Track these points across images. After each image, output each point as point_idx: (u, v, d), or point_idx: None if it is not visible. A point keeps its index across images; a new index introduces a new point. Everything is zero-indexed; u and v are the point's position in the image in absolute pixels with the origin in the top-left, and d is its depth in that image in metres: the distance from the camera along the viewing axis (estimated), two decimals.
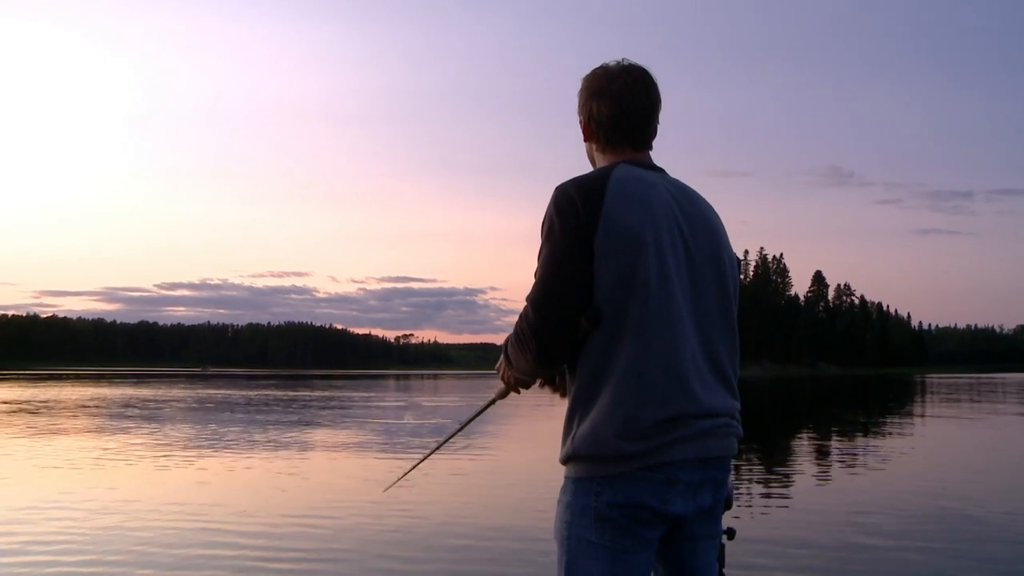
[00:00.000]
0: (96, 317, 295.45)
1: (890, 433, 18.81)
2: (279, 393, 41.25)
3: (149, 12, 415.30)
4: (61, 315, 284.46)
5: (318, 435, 16.99)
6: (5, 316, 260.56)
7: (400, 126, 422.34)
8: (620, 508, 1.91)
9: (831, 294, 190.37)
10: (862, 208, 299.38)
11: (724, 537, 2.20)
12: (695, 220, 2.06)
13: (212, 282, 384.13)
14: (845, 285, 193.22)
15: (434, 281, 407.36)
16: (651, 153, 2.18)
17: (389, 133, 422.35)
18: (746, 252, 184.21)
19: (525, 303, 2.00)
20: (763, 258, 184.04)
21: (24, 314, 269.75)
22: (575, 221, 1.92)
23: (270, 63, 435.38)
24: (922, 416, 25.59)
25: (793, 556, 6.33)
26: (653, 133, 2.17)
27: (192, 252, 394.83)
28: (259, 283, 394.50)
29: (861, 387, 58.65)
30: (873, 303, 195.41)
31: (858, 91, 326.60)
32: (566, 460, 2.00)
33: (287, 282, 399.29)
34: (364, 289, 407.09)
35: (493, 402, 2.39)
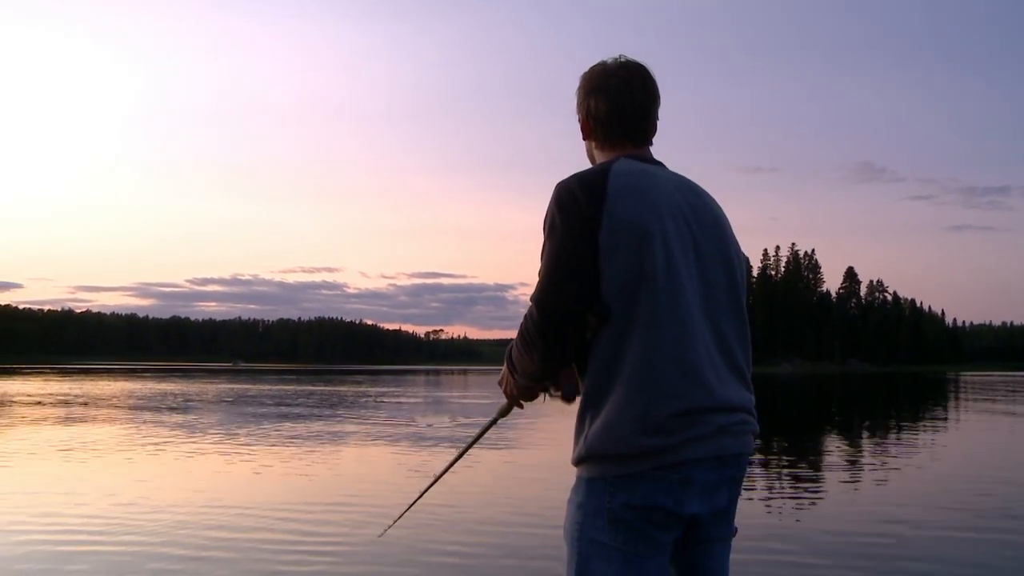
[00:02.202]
0: (129, 312, 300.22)
1: (921, 432, 18.53)
2: (312, 388, 41.41)
3: (181, 10, 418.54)
4: (95, 310, 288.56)
5: (344, 434, 17.00)
6: (41, 311, 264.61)
7: (429, 123, 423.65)
8: (634, 510, 1.87)
9: (863, 291, 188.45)
10: (895, 204, 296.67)
11: None
12: (700, 212, 2.03)
13: (243, 278, 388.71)
14: (878, 282, 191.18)
15: (464, 277, 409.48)
16: (652, 149, 2.16)
17: (418, 130, 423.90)
18: (777, 248, 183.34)
19: (530, 303, 1.95)
20: (794, 254, 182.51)
21: (59, 309, 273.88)
22: (578, 216, 1.89)
23: (296, 61, 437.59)
24: (956, 415, 25.22)
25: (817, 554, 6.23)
26: (652, 129, 2.14)
27: (223, 248, 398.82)
28: (290, 279, 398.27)
29: (892, 385, 57.95)
30: (906, 300, 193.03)
31: (890, 86, 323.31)
32: (579, 461, 1.96)
33: (318, 278, 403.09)
34: (394, 285, 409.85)
35: (495, 421, 2.31)
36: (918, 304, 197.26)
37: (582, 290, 1.89)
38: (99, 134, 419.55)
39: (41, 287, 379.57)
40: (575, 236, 1.89)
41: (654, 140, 2.17)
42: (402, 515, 2.77)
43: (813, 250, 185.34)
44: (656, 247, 1.89)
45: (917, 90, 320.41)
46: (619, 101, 2.09)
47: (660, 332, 1.88)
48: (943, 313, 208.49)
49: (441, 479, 2.45)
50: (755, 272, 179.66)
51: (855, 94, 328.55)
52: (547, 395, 2.15)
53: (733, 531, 2.09)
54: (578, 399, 2.02)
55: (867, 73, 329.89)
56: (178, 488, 9.21)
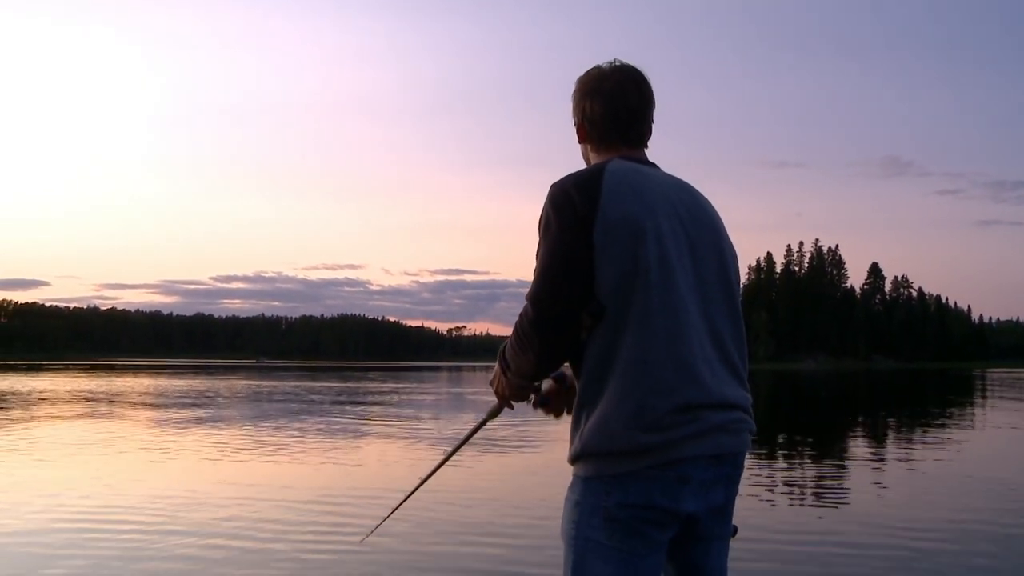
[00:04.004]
0: (153, 309, 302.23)
1: (948, 431, 18.32)
2: (334, 385, 41.58)
3: (217, 8, 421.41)
4: (120, 307, 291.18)
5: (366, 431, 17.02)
6: (67, 308, 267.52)
7: (452, 119, 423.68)
8: (630, 508, 1.87)
9: (888, 287, 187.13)
10: (920, 199, 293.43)
11: None
12: (694, 211, 2.05)
13: (267, 275, 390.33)
14: (903, 277, 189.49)
15: (487, 273, 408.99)
16: (657, 155, 2.20)
17: (441, 127, 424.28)
18: (801, 244, 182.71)
19: (525, 301, 1.96)
20: (818, 250, 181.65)
21: (85, 306, 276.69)
22: (572, 214, 1.91)
23: (319, 57, 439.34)
24: (983, 412, 24.94)
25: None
26: (648, 132, 2.17)
27: (247, 245, 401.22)
28: (312, 276, 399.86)
29: (917, 382, 57.45)
30: (932, 296, 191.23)
31: (916, 79, 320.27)
32: (575, 459, 1.96)
33: (340, 275, 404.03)
34: (417, 282, 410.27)
35: (484, 423, 2.32)
36: (944, 300, 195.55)
37: (577, 288, 1.89)
38: (124, 132, 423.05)
39: (68, 285, 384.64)
40: (570, 235, 1.90)
41: (649, 143, 2.19)
42: (382, 521, 2.74)
43: (837, 246, 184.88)
44: (650, 244, 1.90)
45: (944, 84, 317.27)
46: (614, 104, 2.10)
47: (654, 328, 1.88)
48: (969, 309, 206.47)
49: (426, 483, 2.40)
50: (779, 268, 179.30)
51: (882, 88, 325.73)
52: (536, 396, 2.16)
53: (733, 530, 2.08)
54: (547, 408, 2.14)
55: (894, 66, 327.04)
56: (204, 481, 9.24)
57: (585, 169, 2.03)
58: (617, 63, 2.15)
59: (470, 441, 2.39)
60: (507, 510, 7.79)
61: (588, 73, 2.16)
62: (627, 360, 1.87)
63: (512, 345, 2.00)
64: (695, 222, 2.03)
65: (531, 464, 11.16)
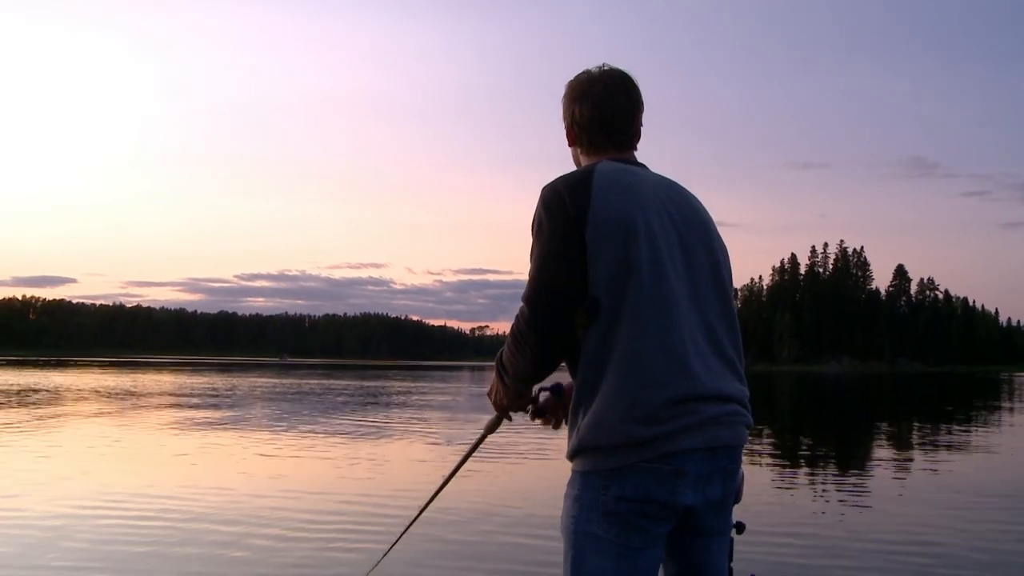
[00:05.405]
0: (178, 307, 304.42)
1: (975, 435, 18.12)
2: (361, 384, 41.69)
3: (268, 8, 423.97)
4: (145, 305, 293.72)
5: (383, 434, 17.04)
6: (94, 305, 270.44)
7: (475, 120, 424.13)
8: (628, 502, 1.89)
9: (913, 289, 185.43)
10: (946, 200, 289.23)
11: (733, 531, 2.19)
12: (684, 209, 2.09)
13: (290, 273, 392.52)
14: (929, 279, 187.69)
15: (510, 273, 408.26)
16: (638, 155, 2.22)
17: (464, 127, 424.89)
18: (825, 245, 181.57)
19: (521, 303, 1.98)
20: (843, 251, 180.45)
21: (111, 304, 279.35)
22: (564, 215, 1.94)
23: (336, 56, 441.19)
24: (1011, 417, 24.65)
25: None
26: (636, 135, 2.20)
27: (271, 244, 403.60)
28: (336, 274, 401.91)
29: (943, 385, 56.87)
30: (958, 298, 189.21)
31: (943, 79, 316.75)
32: (573, 454, 1.99)
33: (364, 273, 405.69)
34: (440, 281, 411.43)
35: (483, 438, 2.33)
36: (970, 303, 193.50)
37: (571, 287, 1.92)
38: (155, 130, 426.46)
39: (94, 282, 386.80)
40: (562, 235, 1.94)
41: (639, 146, 2.22)
42: (384, 555, 2.74)
43: (862, 247, 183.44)
44: (641, 241, 1.94)
45: (972, 85, 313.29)
46: (603, 108, 2.14)
47: (646, 323, 1.91)
48: (996, 312, 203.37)
49: (428, 508, 2.38)
50: (803, 269, 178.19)
51: (907, 89, 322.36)
52: (532, 407, 2.19)
53: (741, 527, 2.12)
54: (539, 419, 2.19)
55: (920, 67, 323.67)
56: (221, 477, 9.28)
57: (576, 170, 2.07)
58: (606, 67, 2.19)
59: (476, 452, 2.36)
60: (505, 511, 7.77)
61: (577, 77, 2.20)
62: (621, 355, 1.90)
63: (509, 347, 2.02)
64: (685, 220, 2.06)
65: (530, 465, 11.13)
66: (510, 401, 2.16)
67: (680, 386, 1.90)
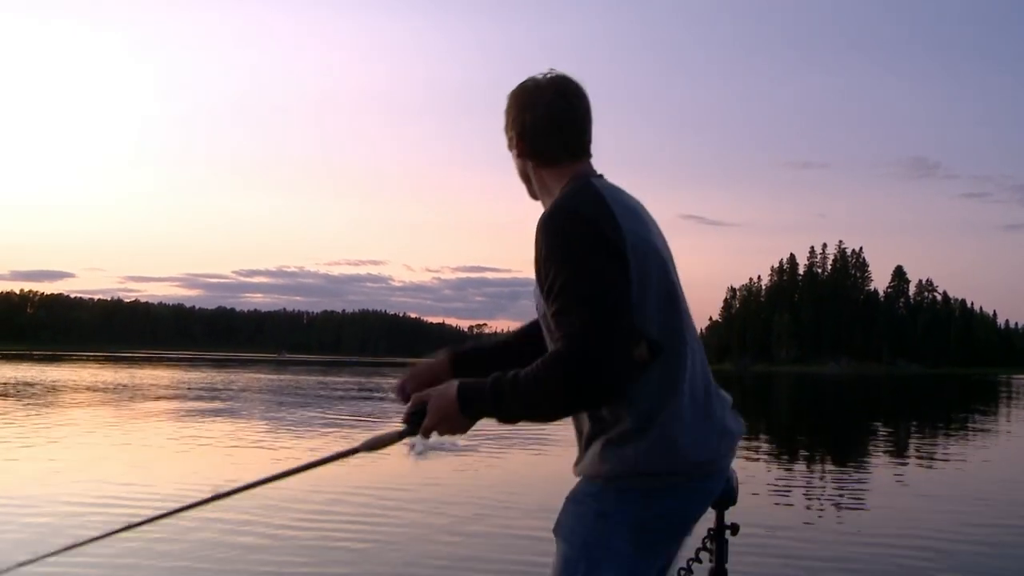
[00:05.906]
0: (176, 302, 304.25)
1: (971, 438, 18.12)
2: (358, 380, 41.74)
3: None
4: (144, 300, 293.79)
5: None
6: (92, 299, 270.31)
7: (474, 118, 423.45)
8: (667, 519, 1.88)
9: (912, 290, 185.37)
10: (946, 202, 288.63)
11: (728, 532, 2.18)
12: (657, 223, 2.02)
13: (289, 269, 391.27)
14: (927, 281, 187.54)
15: (508, 271, 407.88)
16: (600, 162, 2.09)
17: (463, 125, 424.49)
18: (824, 246, 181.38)
19: (564, 342, 1.71)
20: (842, 252, 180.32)
21: (109, 298, 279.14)
22: (604, 243, 1.77)
23: (336, 53, 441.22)
24: (1008, 422, 24.65)
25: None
26: (590, 142, 2.04)
27: (270, 240, 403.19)
28: (335, 271, 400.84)
29: (941, 387, 56.91)
30: (957, 300, 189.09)
31: (944, 80, 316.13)
32: (618, 476, 1.84)
33: (362, 270, 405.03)
34: (439, 278, 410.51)
35: (354, 452, 2.02)
36: (969, 304, 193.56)
37: (631, 323, 1.74)
38: (149, 126, 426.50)
39: (93, 277, 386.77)
40: (608, 265, 1.76)
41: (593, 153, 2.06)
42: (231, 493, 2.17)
43: (861, 248, 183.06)
44: (667, 265, 1.89)
45: (973, 85, 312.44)
46: (555, 115, 1.98)
47: (691, 352, 1.88)
48: (995, 314, 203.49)
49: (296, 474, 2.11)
50: (801, 269, 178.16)
51: (908, 89, 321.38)
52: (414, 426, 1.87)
53: (735, 528, 2.17)
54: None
55: (921, 67, 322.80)
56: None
57: (577, 195, 1.88)
58: (551, 73, 2.03)
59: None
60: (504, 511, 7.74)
61: (523, 86, 2.03)
62: (680, 383, 1.84)
63: (545, 390, 1.72)
64: (662, 235, 2.00)
65: (529, 467, 11.08)
66: (461, 430, 1.84)
67: (717, 412, 1.91)
